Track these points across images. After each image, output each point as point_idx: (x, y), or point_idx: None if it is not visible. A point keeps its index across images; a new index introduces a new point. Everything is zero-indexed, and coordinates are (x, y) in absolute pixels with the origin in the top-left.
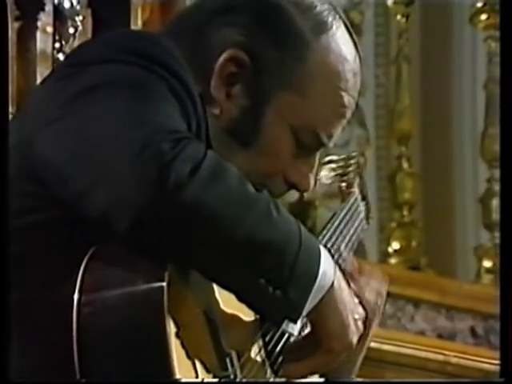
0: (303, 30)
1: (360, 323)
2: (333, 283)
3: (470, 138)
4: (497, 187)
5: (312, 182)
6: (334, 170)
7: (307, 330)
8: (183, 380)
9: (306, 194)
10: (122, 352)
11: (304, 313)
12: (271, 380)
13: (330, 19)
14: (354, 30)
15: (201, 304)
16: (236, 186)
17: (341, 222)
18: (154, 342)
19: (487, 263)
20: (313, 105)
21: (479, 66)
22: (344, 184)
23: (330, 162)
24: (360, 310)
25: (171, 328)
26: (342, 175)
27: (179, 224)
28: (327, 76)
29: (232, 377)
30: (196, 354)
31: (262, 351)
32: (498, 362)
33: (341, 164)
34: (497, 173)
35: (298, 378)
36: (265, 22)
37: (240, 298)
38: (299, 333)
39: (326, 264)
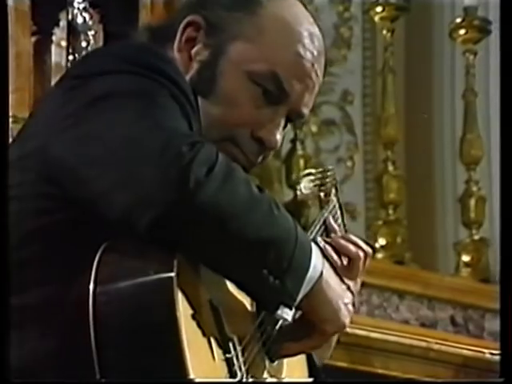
0: None
1: (350, 306)
2: (321, 274)
3: (450, 143)
4: (474, 188)
5: (279, 139)
6: (312, 181)
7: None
8: (197, 380)
9: (299, 194)
10: (135, 339)
11: (297, 300)
12: (267, 366)
13: None
14: (343, 44)
15: (207, 293)
16: (243, 186)
17: (321, 226)
18: (164, 329)
19: (465, 257)
20: (265, 50)
21: (458, 77)
22: (322, 194)
23: (308, 174)
24: (348, 294)
25: (187, 311)
26: (320, 186)
27: (196, 221)
28: (279, 27)
29: (234, 359)
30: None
31: (259, 339)
32: (475, 348)
33: (318, 176)
34: (474, 175)
35: (294, 356)
36: None
37: (242, 288)
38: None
39: (316, 257)
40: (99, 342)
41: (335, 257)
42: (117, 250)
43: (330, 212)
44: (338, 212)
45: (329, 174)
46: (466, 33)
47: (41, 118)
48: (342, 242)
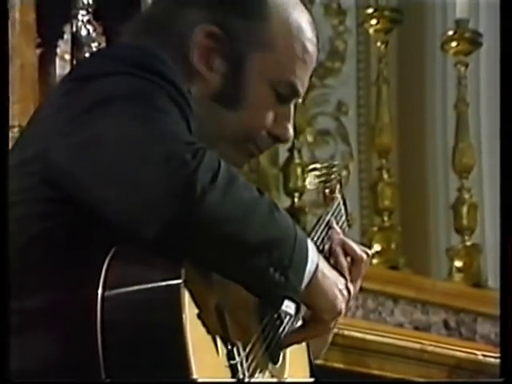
0: None
1: (345, 291)
2: (317, 266)
3: (442, 152)
4: (466, 195)
5: (291, 131)
6: (317, 176)
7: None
8: (199, 380)
9: (296, 201)
10: (141, 344)
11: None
12: (270, 368)
13: None
14: (338, 56)
15: (214, 299)
16: (245, 190)
17: (326, 224)
18: (170, 335)
19: (458, 263)
20: (283, 56)
21: (450, 87)
22: (327, 190)
23: (314, 169)
24: (341, 279)
25: (194, 317)
26: (325, 182)
27: (204, 227)
28: (289, 28)
29: (239, 365)
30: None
31: (263, 343)
32: (468, 350)
33: (324, 171)
34: (466, 183)
35: (293, 345)
36: None
37: (248, 288)
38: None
39: (312, 250)
40: (106, 346)
41: (342, 257)
42: (125, 256)
43: (335, 210)
44: (343, 209)
45: (334, 169)
46: (457, 45)
47: (40, 122)
48: (350, 242)
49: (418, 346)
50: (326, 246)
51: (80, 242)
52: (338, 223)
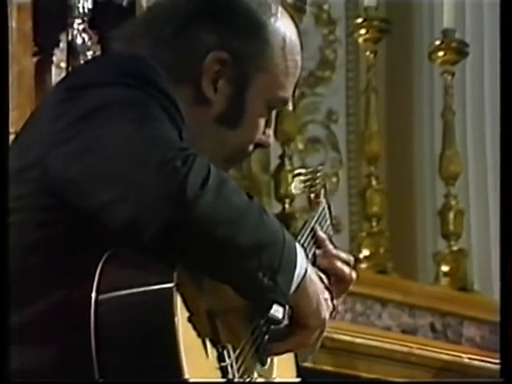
0: (259, 15)
1: (329, 302)
2: (306, 272)
3: (429, 159)
4: (453, 202)
5: (272, 137)
6: (302, 181)
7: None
8: (190, 380)
9: (287, 207)
10: (134, 346)
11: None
12: (259, 369)
13: (272, 2)
14: (328, 66)
15: (206, 303)
16: (235, 194)
17: (312, 228)
18: (162, 338)
19: (444, 267)
20: (278, 76)
21: (437, 96)
22: (312, 195)
23: (299, 174)
24: (327, 292)
25: (185, 320)
26: (310, 186)
27: (196, 230)
28: (285, 48)
29: (229, 367)
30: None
31: (252, 345)
32: (454, 353)
33: (309, 176)
34: (453, 189)
35: (279, 355)
36: (230, 19)
37: (238, 290)
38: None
39: (301, 255)
40: (100, 348)
41: (323, 277)
42: (118, 260)
43: (320, 215)
44: (327, 214)
45: (318, 174)
46: (444, 55)
47: (36, 130)
48: (330, 260)
49: (405, 348)
50: (312, 251)
51: (76, 247)
52: (322, 228)
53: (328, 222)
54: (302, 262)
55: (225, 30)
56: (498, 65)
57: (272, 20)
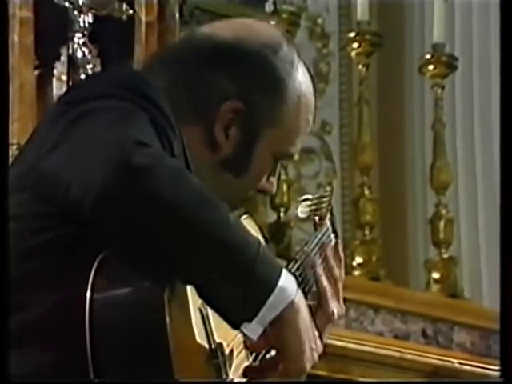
0: (280, 71)
1: (316, 354)
2: (293, 301)
3: (421, 170)
4: (443, 211)
5: (275, 186)
6: (308, 206)
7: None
8: (184, 380)
9: (282, 216)
10: (127, 344)
11: (263, 321)
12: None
13: (295, 56)
14: (322, 78)
15: (198, 299)
16: (195, 187)
17: (314, 246)
18: (153, 336)
19: (435, 275)
20: (290, 133)
21: (427, 109)
22: (317, 218)
23: (305, 199)
24: (319, 342)
25: (177, 318)
26: (315, 211)
27: (135, 209)
28: (300, 108)
29: (221, 364)
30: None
31: (244, 342)
32: (445, 358)
33: (315, 202)
34: (443, 199)
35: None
36: (250, 70)
37: (201, 294)
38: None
39: (287, 281)
40: (94, 347)
41: (325, 284)
42: (112, 261)
43: (323, 234)
44: (331, 233)
45: (324, 199)
46: (434, 68)
47: (35, 140)
48: (336, 270)
49: (397, 354)
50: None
51: (70, 251)
52: (325, 246)
53: (331, 237)
54: (286, 288)
55: (243, 81)
56: (486, 78)
57: (291, 76)
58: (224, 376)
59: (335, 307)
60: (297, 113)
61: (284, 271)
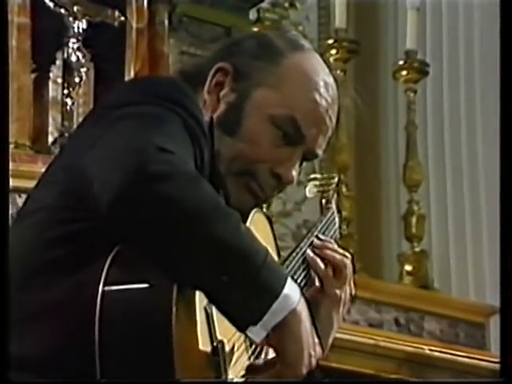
0: (278, 45)
1: (314, 361)
2: (295, 309)
3: (394, 169)
4: (415, 207)
5: (295, 175)
6: (316, 186)
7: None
8: (188, 380)
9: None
10: (132, 340)
11: (267, 326)
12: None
13: (305, 44)
14: None
15: (203, 300)
16: (209, 195)
17: (320, 230)
18: (158, 332)
19: (408, 267)
20: (286, 97)
21: (400, 111)
22: (324, 200)
23: (314, 178)
24: (318, 349)
25: (183, 315)
26: (323, 192)
27: (147, 212)
28: (299, 77)
29: (222, 362)
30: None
31: (246, 340)
32: (416, 345)
33: (323, 182)
34: (415, 196)
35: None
36: (247, 45)
37: (209, 298)
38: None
39: (291, 290)
40: (101, 340)
41: (322, 267)
42: (125, 256)
43: (328, 219)
44: (336, 218)
45: (332, 181)
46: (407, 73)
47: (74, 140)
48: (328, 251)
49: (371, 341)
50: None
51: (93, 244)
52: (330, 231)
53: (336, 225)
54: (290, 296)
55: (237, 51)
56: (455, 82)
57: (292, 52)
58: (223, 373)
59: (339, 290)
60: (295, 80)
61: (289, 280)
